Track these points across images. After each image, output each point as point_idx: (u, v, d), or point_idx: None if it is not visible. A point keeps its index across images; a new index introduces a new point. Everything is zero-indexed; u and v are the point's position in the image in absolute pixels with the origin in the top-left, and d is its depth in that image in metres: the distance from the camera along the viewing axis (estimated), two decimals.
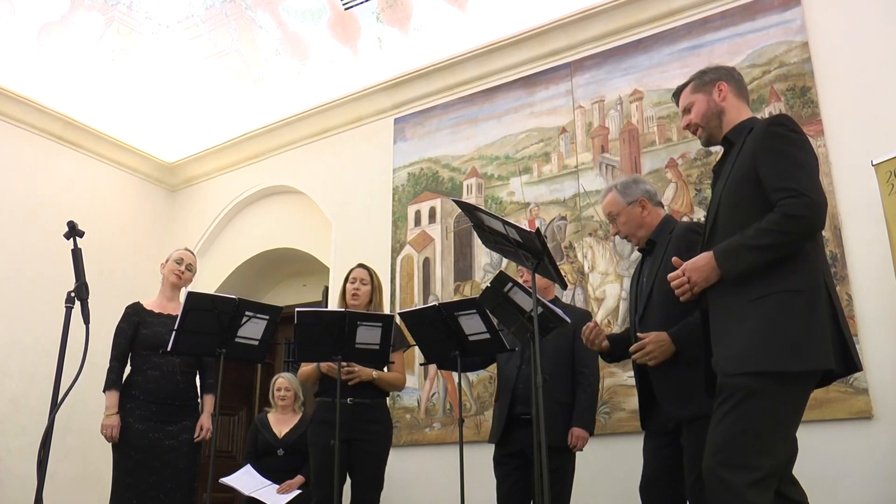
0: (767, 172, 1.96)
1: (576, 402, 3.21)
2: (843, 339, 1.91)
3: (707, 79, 2.25)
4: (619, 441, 3.71)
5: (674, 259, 2.14)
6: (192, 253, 3.84)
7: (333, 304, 4.22)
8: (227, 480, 4.02)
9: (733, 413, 1.87)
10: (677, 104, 2.38)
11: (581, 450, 3.21)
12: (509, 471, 3.26)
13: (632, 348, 2.50)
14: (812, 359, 1.85)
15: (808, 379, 1.89)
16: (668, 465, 2.54)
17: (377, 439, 3.42)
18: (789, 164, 1.95)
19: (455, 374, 3.70)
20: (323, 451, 3.29)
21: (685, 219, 3.88)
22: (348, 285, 3.60)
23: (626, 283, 3.96)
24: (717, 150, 3.81)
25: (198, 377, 3.67)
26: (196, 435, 3.50)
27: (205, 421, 3.53)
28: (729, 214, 2.05)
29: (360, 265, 3.70)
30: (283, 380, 4.43)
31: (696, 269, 2.02)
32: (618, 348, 2.69)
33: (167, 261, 3.77)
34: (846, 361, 1.92)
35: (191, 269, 3.77)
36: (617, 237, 2.97)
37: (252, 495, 3.91)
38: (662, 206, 2.79)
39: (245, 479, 4.03)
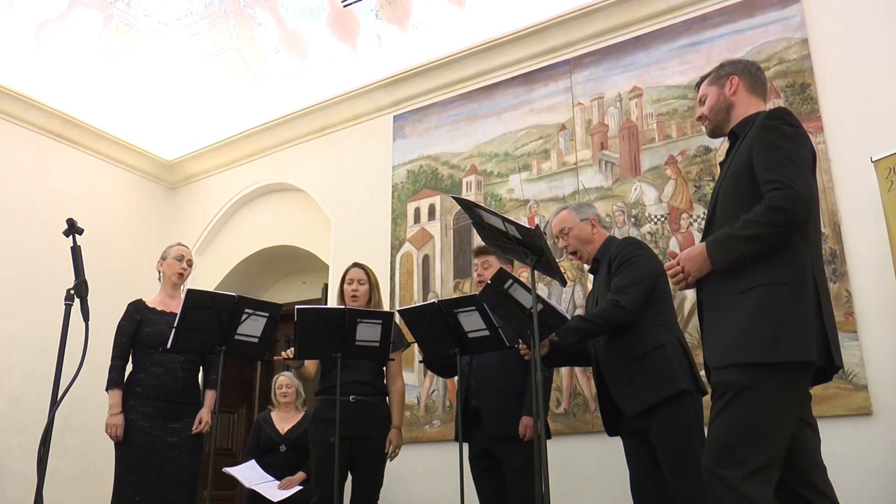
0: (759, 165, 1.99)
1: (526, 390, 3.19)
2: (826, 334, 1.90)
3: (722, 72, 2.28)
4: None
5: (669, 251, 2.20)
6: (187, 247, 3.86)
7: (333, 304, 4.21)
8: (230, 470, 4.06)
9: (725, 411, 1.89)
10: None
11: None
12: (481, 472, 3.30)
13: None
14: (792, 350, 1.85)
15: (794, 371, 1.88)
16: (649, 462, 2.64)
17: (378, 437, 3.42)
18: (779, 157, 1.96)
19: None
20: (324, 449, 3.29)
21: (684, 216, 3.88)
22: (346, 286, 3.58)
23: None
24: (717, 147, 3.83)
25: (200, 373, 3.68)
26: (194, 427, 3.51)
27: (204, 414, 3.56)
28: (726, 207, 2.07)
29: (356, 265, 3.66)
30: (284, 377, 4.45)
31: (689, 258, 2.06)
32: (556, 354, 2.79)
33: (165, 258, 3.76)
34: (828, 358, 1.91)
35: (190, 264, 3.80)
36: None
37: (253, 488, 3.93)
38: (608, 231, 2.99)
39: (247, 472, 4.06)
